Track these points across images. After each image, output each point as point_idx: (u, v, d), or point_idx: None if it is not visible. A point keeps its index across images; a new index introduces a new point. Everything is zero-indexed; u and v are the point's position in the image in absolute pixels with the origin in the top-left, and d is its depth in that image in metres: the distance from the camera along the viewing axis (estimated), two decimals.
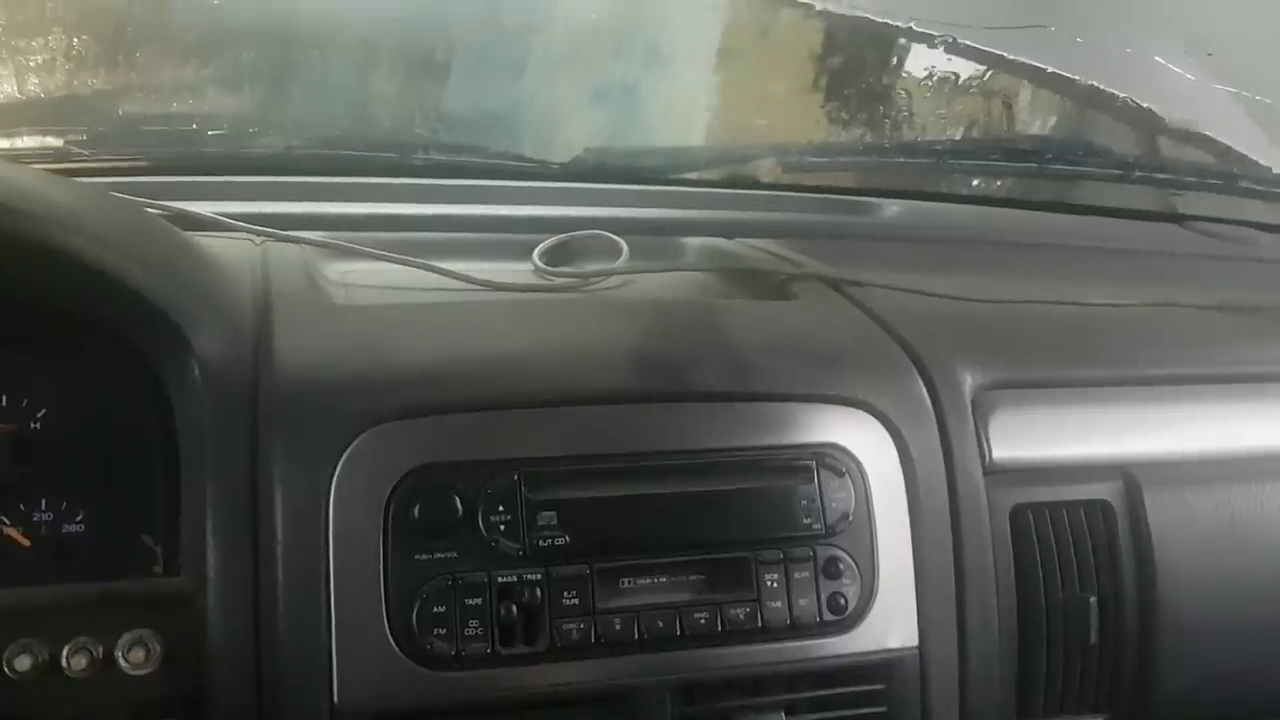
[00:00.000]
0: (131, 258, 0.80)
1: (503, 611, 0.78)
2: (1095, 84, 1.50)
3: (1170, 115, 1.52)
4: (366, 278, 1.03)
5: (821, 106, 1.55)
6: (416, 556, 0.78)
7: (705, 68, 1.58)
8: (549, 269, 1.11)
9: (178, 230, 0.95)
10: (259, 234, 1.05)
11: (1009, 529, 0.93)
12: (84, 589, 0.76)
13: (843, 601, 0.85)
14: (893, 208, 1.42)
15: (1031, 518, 0.94)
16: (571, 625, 0.80)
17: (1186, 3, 1.50)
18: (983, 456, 0.93)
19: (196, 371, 0.79)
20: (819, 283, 1.08)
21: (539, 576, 0.79)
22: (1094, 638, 0.93)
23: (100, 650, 0.73)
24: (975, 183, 1.59)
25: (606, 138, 1.49)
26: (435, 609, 0.77)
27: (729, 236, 1.25)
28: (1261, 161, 1.52)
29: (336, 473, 0.78)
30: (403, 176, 1.29)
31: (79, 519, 0.82)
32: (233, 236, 1.04)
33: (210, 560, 0.76)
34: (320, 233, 1.08)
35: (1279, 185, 1.52)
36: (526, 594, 0.79)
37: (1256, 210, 1.53)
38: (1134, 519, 0.95)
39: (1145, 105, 1.50)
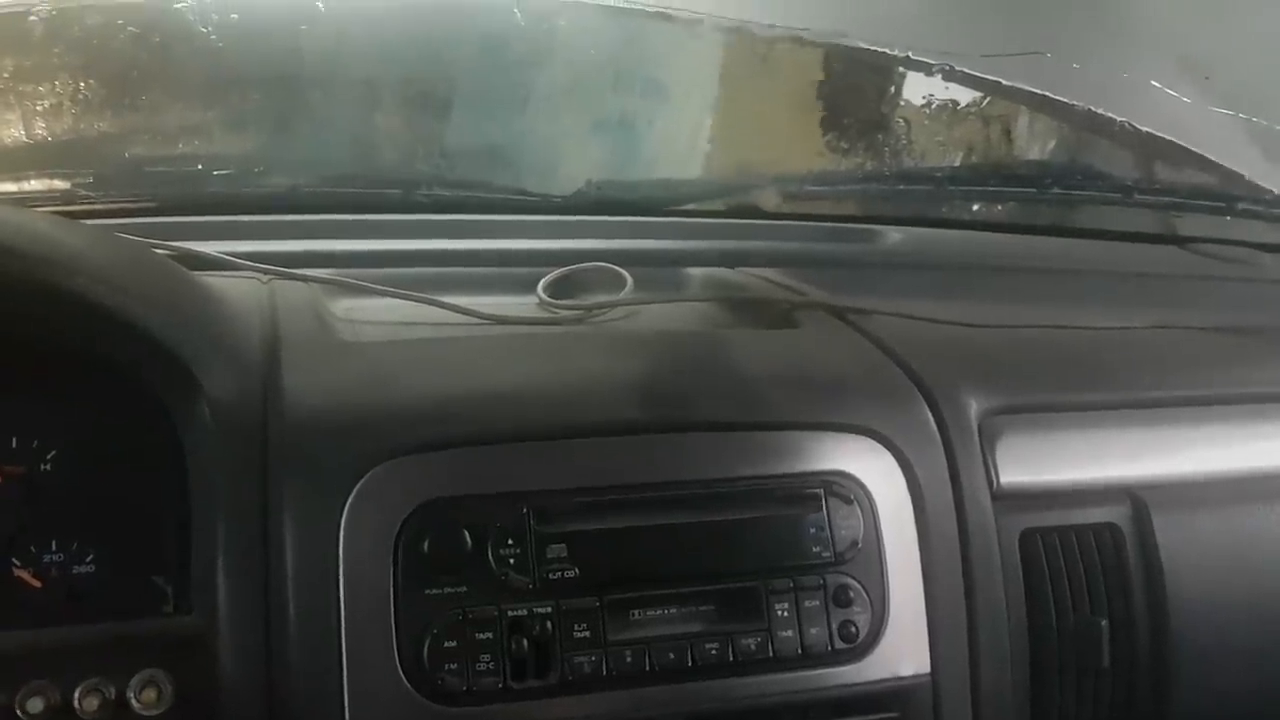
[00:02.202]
0: (140, 299, 0.80)
1: (514, 645, 0.78)
2: (1093, 108, 1.50)
3: (1169, 138, 1.52)
4: (373, 314, 1.03)
5: (822, 135, 1.55)
6: (427, 591, 0.78)
7: (705, 99, 1.59)
8: (554, 302, 1.11)
9: (185, 270, 0.95)
10: (266, 272, 1.05)
11: (1018, 553, 0.93)
12: (95, 630, 0.76)
13: (854, 630, 0.85)
14: (894, 235, 1.42)
15: (1041, 542, 0.94)
16: (583, 658, 0.80)
17: (1182, 27, 1.50)
18: (990, 482, 0.93)
19: (206, 411, 0.79)
20: (823, 311, 1.09)
21: (549, 610, 0.79)
22: (1106, 661, 0.93)
23: (113, 691, 0.73)
24: (976, 208, 1.59)
25: (608, 170, 1.49)
26: (446, 644, 0.77)
27: (732, 266, 1.26)
28: (1261, 183, 1.53)
29: (346, 509, 0.78)
30: (407, 213, 1.29)
31: (89, 560, 0.82)
32: (240, 275, 1.04)
33: (221, 599, 0.76)
34: (327, 270, 1.08)
35: (1279, 206, 1.52)
36: (537, 627, 0.79)
37: (1257, 231, 1.53)
38: (1143, 541, 0.95)
39: (1144, 129, 1.50)
